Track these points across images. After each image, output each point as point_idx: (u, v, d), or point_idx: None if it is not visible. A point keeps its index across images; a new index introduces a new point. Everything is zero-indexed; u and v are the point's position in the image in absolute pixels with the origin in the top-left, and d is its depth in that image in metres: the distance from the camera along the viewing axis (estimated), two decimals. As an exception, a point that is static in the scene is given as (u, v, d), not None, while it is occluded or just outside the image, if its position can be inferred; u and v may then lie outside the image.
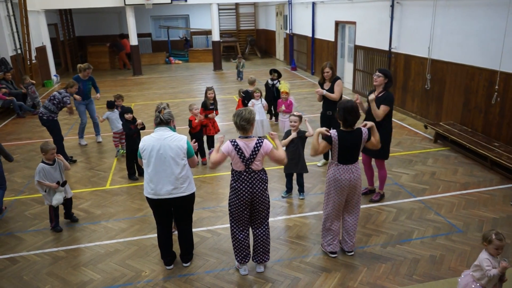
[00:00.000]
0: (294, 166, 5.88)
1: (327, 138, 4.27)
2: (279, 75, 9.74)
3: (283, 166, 5.98)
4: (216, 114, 7.70)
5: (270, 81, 9.70)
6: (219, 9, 20.43)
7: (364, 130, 4.33)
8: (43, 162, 5.19)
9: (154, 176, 4.10)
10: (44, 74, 15.60)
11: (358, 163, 4.37)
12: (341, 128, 4.32)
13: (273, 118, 10.00)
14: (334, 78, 6.70)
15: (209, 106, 7.60)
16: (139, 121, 6.75)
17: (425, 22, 9.00)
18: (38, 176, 5.11)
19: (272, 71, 9.77)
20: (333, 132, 4.27)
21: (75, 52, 20.92)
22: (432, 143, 8.12)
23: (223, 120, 10.35)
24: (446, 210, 5.55)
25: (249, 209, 4.14)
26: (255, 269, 4.41)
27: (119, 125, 7.59)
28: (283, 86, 8.37)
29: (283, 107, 8.17)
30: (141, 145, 4.14)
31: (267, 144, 4.00)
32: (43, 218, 5.69)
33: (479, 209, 5.54)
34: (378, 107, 5.35)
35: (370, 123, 4.41)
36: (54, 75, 16.58)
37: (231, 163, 4.09)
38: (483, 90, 7.52)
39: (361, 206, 5.68)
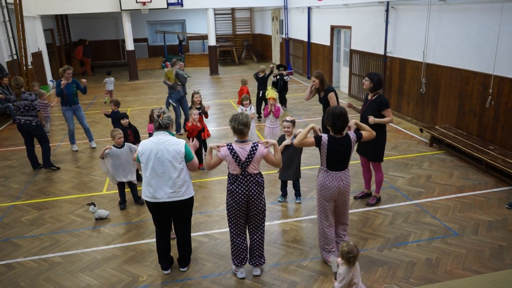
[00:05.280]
0: (288, 173, 5.82)
1: (317, 138, 4.27)
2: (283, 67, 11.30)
3: (277, 171, 5.99)
4: (206, 117, 7.58)
5: (276, 77, 11.01)
6: (215, 14, 20.48)
7: (352, 134, 4.33)
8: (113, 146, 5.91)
9: (152, 179, 4.12)
10: (40, 80, 15.55)
11: (348, 170, 4.36)
12: (330, 133, 4.30)
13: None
14: (327, 89, 6.47)
15: None
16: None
17: (420, 26, 9.07)
18: (106, 155, 5.80)
19: (279, 67, 11.24)
20: (324, 135, 4.26)
21: (71, 57, 20.89)
22: (427, 146, 8.17)
23: (220, 125, 10.37)
24: (442, 213, 5.58)
25: (245, 212, 4.17)
26: (252, 273, 4.42)
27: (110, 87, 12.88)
28: (270, 92, 8.00)
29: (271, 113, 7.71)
30: (139, 149, 4.17)
31: (262, 148, 4.06)
32: (40, 224, 5.69)
33: (475, 212, 5.58)
34: (374, 110, 5.42)
35: (352, 122, 4.43)
36: (50, 81, 16.56)
37: (228, 167, 4.12)
38: (477, 94, 7.58)
39: (358, 210, 5.74)
